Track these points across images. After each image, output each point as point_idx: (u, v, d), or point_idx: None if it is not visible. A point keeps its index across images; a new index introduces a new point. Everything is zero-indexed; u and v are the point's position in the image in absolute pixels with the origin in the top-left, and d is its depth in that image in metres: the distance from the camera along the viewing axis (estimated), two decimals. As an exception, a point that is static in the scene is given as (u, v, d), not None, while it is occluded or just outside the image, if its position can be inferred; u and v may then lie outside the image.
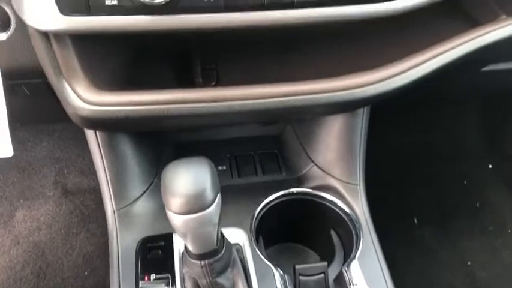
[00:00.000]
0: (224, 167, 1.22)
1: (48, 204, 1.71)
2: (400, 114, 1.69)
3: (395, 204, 1.71)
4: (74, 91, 0.82)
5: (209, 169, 0.76)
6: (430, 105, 1.80)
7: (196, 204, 0.74)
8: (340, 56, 0.94)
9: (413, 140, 1.87)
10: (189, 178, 0.74)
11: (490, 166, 1.90)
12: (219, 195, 0.77)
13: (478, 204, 1.81)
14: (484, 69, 1.23)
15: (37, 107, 1.07)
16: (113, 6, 0.74)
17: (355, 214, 1.12)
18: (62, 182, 1.76)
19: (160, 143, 1.21)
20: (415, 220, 1.75)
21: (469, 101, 1.87)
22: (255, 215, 1.09)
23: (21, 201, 1.71)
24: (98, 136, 1.02)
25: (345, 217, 1.12)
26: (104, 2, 0.74)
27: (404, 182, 1.79)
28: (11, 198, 1.71)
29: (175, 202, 0.74)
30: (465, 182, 1.86)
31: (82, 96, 0.82)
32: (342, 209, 1.13)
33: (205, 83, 0.92)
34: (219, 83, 0.92)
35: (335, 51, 0.95)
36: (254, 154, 1.26)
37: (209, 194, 0.75)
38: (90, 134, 1.03)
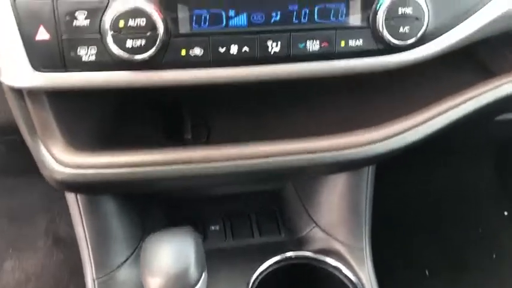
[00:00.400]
0: (217, 227, 1.12)
1: (38, 255, 1.62)
2: (406, 161, 1.60)
3: (404, 257, 1.60)
4: (50, 152, 0.75)
5: (193, 243, 0.68)
6: (438, 151, 1.72)
7: (178, 285, 0.65)
8: (343, 109, 0.87)
9: (423, 189, 1.77)
10: (170, 254, 0.66)
11: (506, 213, 1.80)
12: (204, 273, 0.69)
13: (494, 255, 1.69)
14: (498, 118, 1.15)
15: (16, 162, 1.00)
16: (91, 62, 0.68)
17: (361, 282, 1.02)
18: (53, 231, 1.68)
19: (146, 201, 1.12)
20: (427, 272, 1.64)
21: (482, 147, 1.78)
22: (250, 284, 0.99)
23: (11, 251, 1.62)
24: (78, 197, 0.95)
25: (349, 285, 1.02)
26: (81, 58, 0.67)
27: (414, 232, 1.68)
28: (0, 249, 1.63)
29: (154, 283, 0.65)
30: (480, 230, 1.76)
31: (58, 158, 0.75)
32: (347, 276, 1.03)
33: (196, 140, 0.85)
34: (210, 139, 0.85)
35: (338, 104, 0.88)
36: (251, 213, 1.16)
37: (193, 273, 0.66)
38: (69, 194, 0.95)
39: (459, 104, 0.83)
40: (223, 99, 0.86)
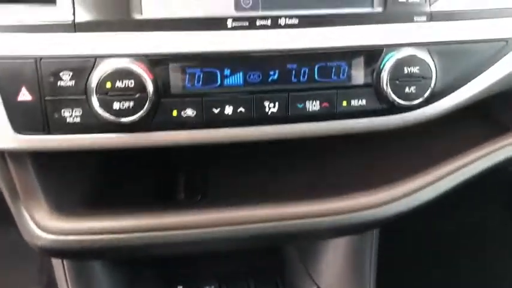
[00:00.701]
0: None
1: (30, 299, 1.56)
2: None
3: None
4: (32, 218, 0.71)
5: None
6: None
7: None
8: (344, 168, 0.82)
9: (430, 232, 1.69)
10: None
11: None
12: None
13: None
14: None
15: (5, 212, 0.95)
16: (75, 124, 0.63)
17: None
18: (47, 272, 1.61)
19: (136, 260, 1.05)
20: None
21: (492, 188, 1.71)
22: None
23: (1, 295, 1.56)
24: (65, 260, 0.90)
25: None
26: (65, 120, 0.63)
27: (419, 277, 1.60)
28: (-10, 293, 1.57)
29: None
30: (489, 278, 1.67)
31: (41, 224, 0.70)
32: None
33: (189, 199, 0.80)
34: (204, 198, 0.80)
35: (338, 163, 0.83)
36: (249, 272, 1.09)
37: None
38: None
39: (471, 163, 0.78)
40: (218, 156, 0.81)
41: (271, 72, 0.67)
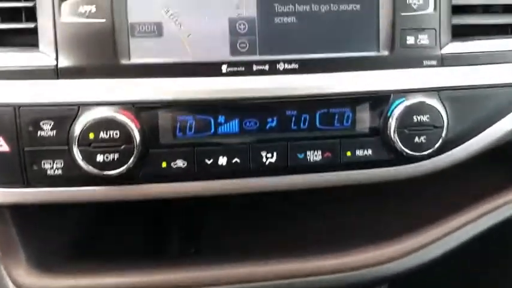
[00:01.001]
0: None
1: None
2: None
3: None
4: (10, 274, 0.66)
5: None
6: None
7: None
8: (352, 217, 0.77)
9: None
10: None
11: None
12: None
13: None
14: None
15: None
16: (57, 176, 0.59)
17: None
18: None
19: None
20: None
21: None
22: None
23: None
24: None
25: None
26: (46, 173, 0.59)
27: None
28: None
29: None
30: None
31: (18, 282, 0.66)
32: None
33: (182, 251, 0.75)
34: (198, 250, 0.75)
35: (346, 211, 0.78)
36: None
37: None
38: None
39: (482, 216, 0.73)
40: (212, 205, 0.76)
41: (269, 120, 0.62)
